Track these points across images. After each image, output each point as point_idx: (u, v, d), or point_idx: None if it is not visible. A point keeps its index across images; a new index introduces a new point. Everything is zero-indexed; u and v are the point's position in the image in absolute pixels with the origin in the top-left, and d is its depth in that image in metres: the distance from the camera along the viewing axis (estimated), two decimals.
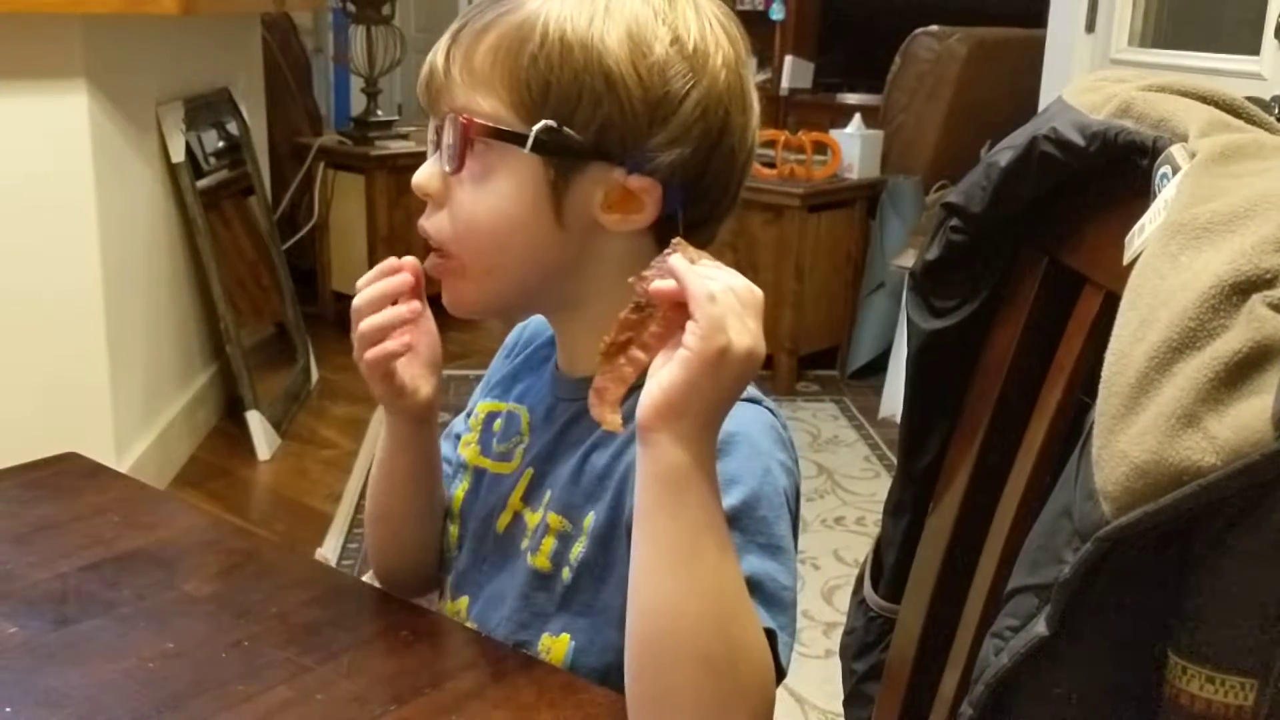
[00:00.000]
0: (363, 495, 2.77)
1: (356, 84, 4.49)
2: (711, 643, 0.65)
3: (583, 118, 0.76)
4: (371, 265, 0.83)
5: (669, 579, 0.65)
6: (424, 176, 0.80)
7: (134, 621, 0.83)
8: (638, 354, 0.65)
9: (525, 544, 0.85)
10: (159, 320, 2.80)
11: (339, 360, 3.62)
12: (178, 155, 2.82)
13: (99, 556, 0.92)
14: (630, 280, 0.65)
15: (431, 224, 0.81)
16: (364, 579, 1.09)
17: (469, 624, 0.89)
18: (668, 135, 0.76)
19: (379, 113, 4.07)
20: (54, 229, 2.39)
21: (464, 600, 0.90)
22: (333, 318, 4.01)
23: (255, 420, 2.96)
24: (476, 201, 0.79)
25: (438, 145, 0.80)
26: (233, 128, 3.30)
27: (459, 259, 0.80)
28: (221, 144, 3.20)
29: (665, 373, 0.63)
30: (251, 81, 3.66)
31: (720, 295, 0.62)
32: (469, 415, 0.95)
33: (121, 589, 0.87)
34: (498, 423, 0.92)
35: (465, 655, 0.82)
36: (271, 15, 3.86)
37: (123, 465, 2.44)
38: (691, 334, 0.62)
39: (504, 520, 0.87)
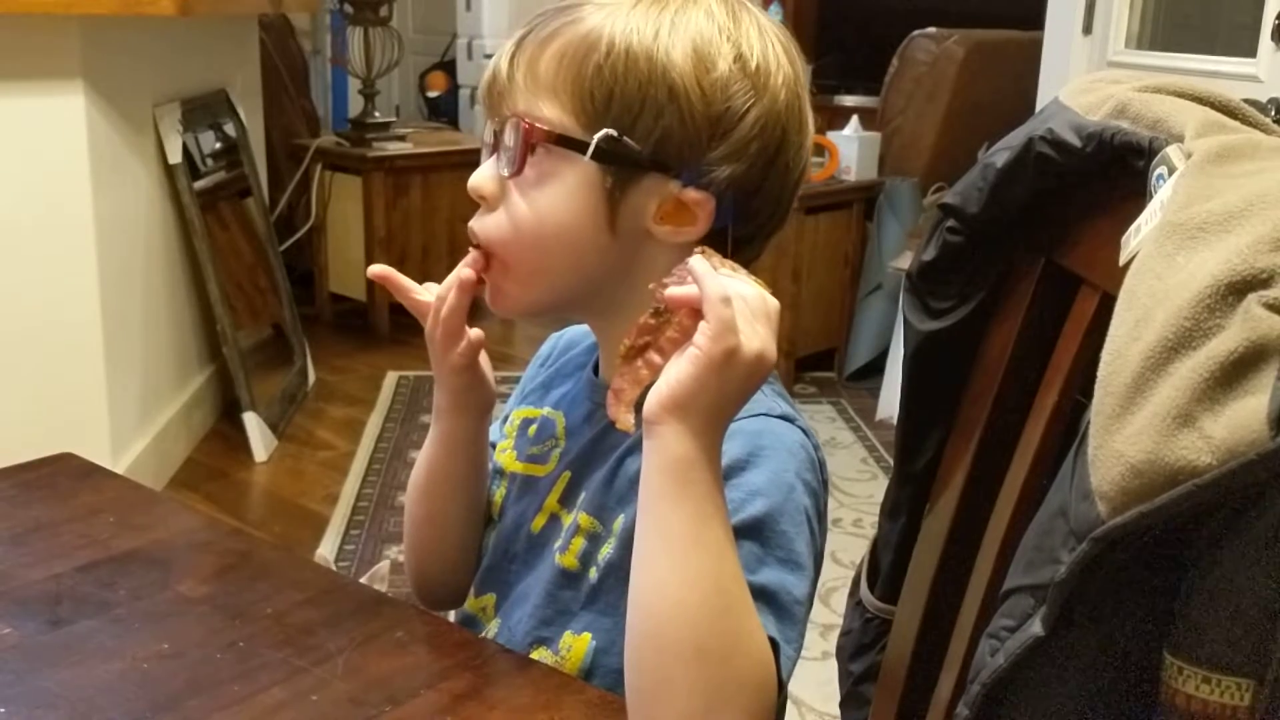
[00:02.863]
0: (359, 497, 2.77)
1: (354, 85, 4.47)
2: (708, 635, 0.66)
3: (643, 128, 0.77)
4: (369, 266, 0.83)
5: (669, 569, 0.66)
6: (480, 179, 0.81)
7: (129, 622, 0.83)
8: (654, 358, 0.67)
9: (556, 544, 0.86)
10: (155, 321, 2.79)
11: (336, 362, 3.59)
12: (175, 156, 2.81)
13: (94, 557, 0.92)
14: (650, 286, 0.67)
15: (482, 225, 0.81)
16: (361, 580, 1.09)
17: (492, 621, 0.89)
18: (726, 150, 0.78)
19: (376, 114, 4.06)
20: (50, 230, 2.38)
21: (490, 597, 0.91)
22: (330, 319, 3.96)
23: (252, 422, 2.95)
24: (533, 205, 0.79)
25: (494, 149, 0.80)
26: (230, 129, 3.29)
27: (504, 260, 0.81)
28: (218, 145, 3.20)
29: (674, 369, 0.65)
30: (249, 83, 3.65)
31: (734, 299, 0.64)
32: (504, 422, 0.97)
33: (117, 590, 0.87)
34: (532, 428, 0.93)
35: (461, 656, 0.82)
36: (269, 16, 3.86)
37: (119, 466, 2.44)
38: (702, 333, 0.64)
39: (539, 521, 0.88)
